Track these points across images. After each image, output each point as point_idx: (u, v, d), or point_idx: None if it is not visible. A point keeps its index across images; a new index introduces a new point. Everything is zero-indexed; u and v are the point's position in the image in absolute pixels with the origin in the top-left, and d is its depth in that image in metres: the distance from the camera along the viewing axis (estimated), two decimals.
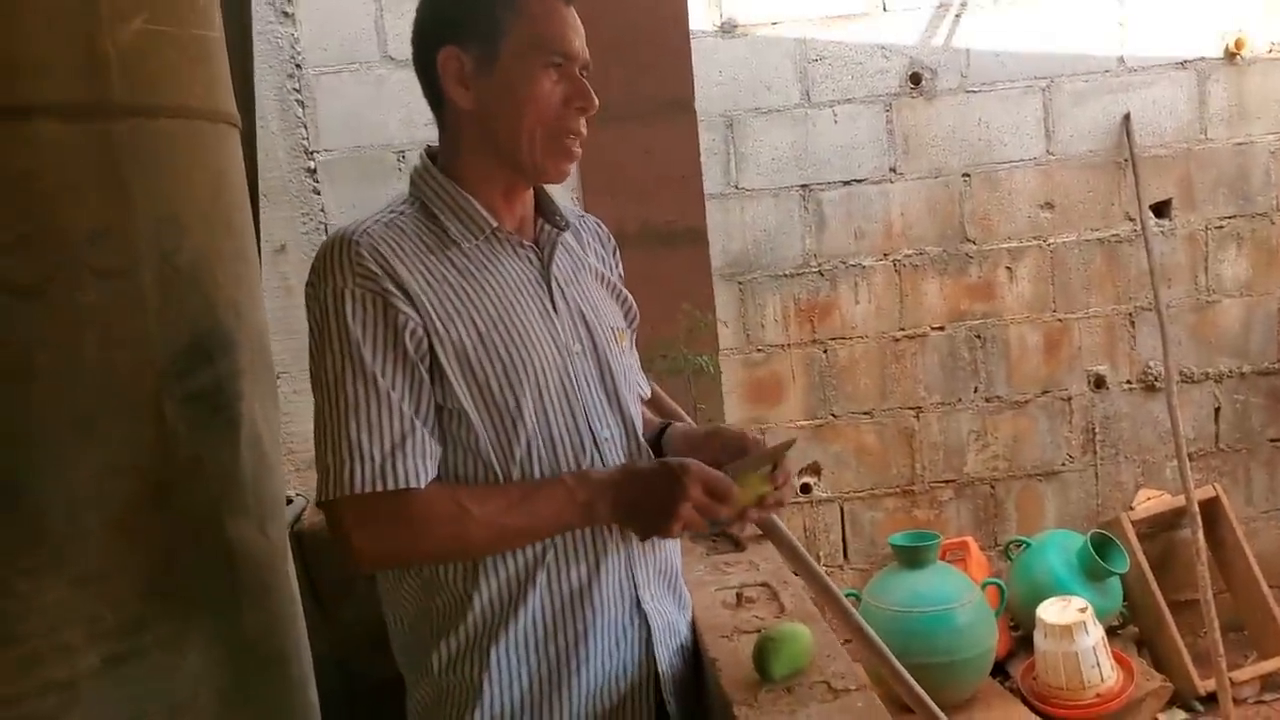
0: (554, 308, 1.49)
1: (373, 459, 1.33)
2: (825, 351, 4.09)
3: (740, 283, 4.02)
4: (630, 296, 1.68)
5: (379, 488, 1.33)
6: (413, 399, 1.37)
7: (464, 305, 1.41)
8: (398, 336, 1.35)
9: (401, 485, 1.34)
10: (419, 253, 1.41)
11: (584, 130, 1.48)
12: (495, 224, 1.47)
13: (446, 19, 1.46)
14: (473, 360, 1.39)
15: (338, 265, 1.37)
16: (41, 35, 1.33)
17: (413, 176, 1.51)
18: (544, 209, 1.56)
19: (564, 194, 1.56)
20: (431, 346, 1.37)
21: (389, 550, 1.40)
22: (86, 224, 1.36)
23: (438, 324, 1.38)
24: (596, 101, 1.45)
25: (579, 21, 1.47)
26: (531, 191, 1.54)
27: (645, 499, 1.39)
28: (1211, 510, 4.05)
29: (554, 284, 1.51)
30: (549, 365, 1.44)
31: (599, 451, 1.47)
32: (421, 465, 1.36)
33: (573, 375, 1.47)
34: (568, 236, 1.58)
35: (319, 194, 3.81)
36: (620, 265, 1.70)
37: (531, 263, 1.51)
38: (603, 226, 1.71)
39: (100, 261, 1.37)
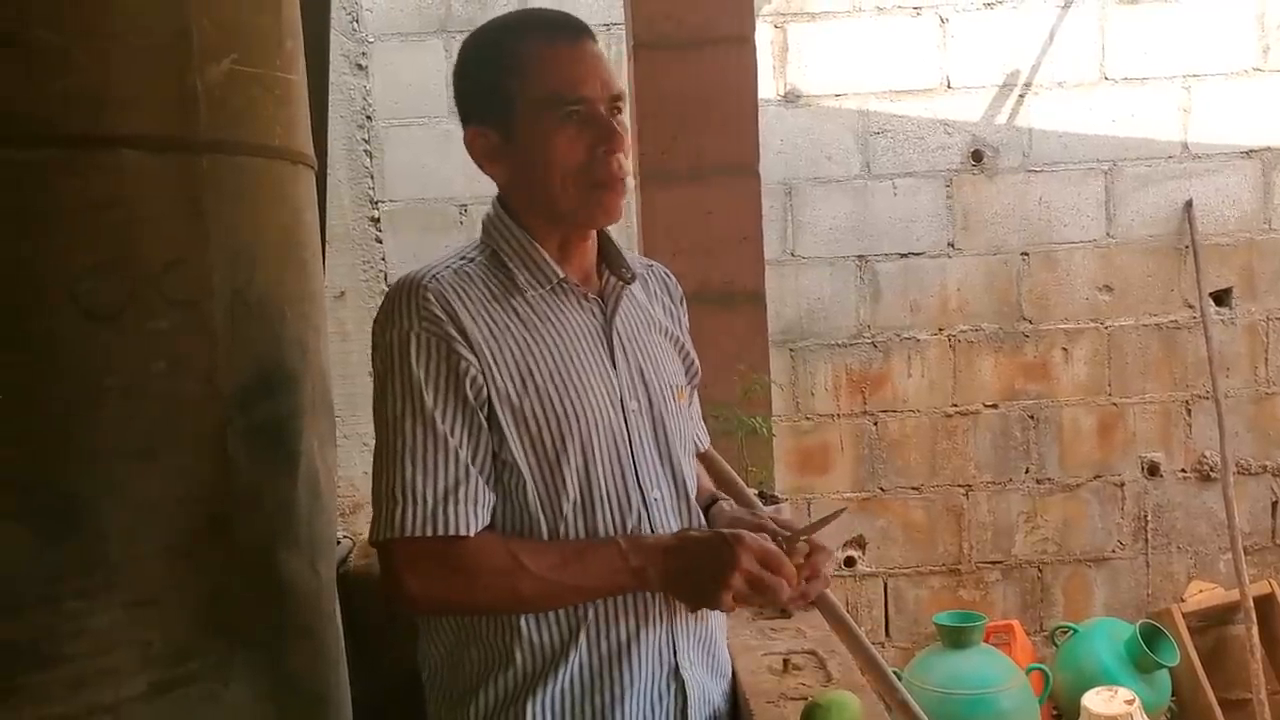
0: (613, 364, 1.47)
1: (425, 502, 1.33)
2: (875, 424, 4.06)
3: (792, 349, 4.01)
4: (693, 352, 1.66)
5: (428, 532, 1.32)
6: (470, 445, 1.36)
7: (523, 357, 1.40)
8: (459, 382, 1.35)
9: (451, 532, 1.33)
10: (484, 300, 1.41)
11: (620, 169, 1.43)
12: (562, 275, 1.45)
13: (465, 101, 1.47)
14: (526, 413, 1.38)
15: (405, 309, 1.37)
16: (133, 69, 1.36)
17: (485, 223, 1.50)
18: (611, 261, 1.53)
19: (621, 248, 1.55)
20: (490, 395, 1.37)
21: (440, 595, 1.38)
22: (163, 253, 1.39)
23: (496, 374, 1.37)
24: (625, 137, 1.41)
25: (594, 53, 1.42)
26: (594, 244, 1.52)
27: (697, 567, 1.36)
28: (1266, 607, 3.94)
29: (615, 339, 1.49)
30: (603, 423, 1.42)
31: (647, 512, 1.45)
32: (473, 513, 1.35)
33: (627, 434, 1.45)
34: (634, 288, 1.56)
35: (381, 243, 3.87)
36: (686, 317, 1.69)
37: (595, 316, 1.49)
38: (671, 276, 1.68)
39: (174, 290, 1.39)
